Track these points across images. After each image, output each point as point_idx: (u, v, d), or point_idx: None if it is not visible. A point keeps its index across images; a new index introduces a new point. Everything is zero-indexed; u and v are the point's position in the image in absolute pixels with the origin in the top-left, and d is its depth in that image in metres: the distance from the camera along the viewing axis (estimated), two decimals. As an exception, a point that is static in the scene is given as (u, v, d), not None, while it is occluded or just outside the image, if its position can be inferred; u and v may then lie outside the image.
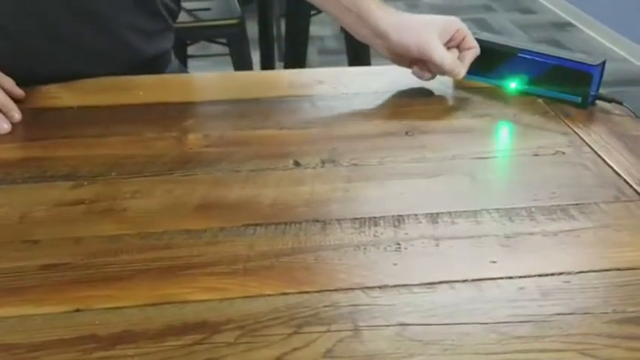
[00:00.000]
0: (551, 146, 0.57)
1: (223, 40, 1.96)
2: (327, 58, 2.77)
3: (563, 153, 0.56)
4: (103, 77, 0.68)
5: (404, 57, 0.67)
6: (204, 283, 0.40)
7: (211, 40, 2.22)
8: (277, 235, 0.45)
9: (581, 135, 0.59)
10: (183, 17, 1.83)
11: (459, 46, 0.67)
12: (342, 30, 2.79)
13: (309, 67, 2.40)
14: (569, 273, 0.42)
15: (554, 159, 0.55)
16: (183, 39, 1.82)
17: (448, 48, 0.66)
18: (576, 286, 0.41)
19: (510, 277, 0.41)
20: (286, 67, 2.18)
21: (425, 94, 0.68)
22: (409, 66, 0.68)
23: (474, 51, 0.67)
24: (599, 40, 3.10)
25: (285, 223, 0.46)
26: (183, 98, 0.66)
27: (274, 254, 0.43)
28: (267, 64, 2.30)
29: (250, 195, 0.49)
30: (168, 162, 0.54)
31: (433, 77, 0.67)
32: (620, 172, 0.53)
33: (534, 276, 0.41)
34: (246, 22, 1.79)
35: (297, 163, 0.54)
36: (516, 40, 0.70)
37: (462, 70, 0.65)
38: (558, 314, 0.38)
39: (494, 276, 0.41)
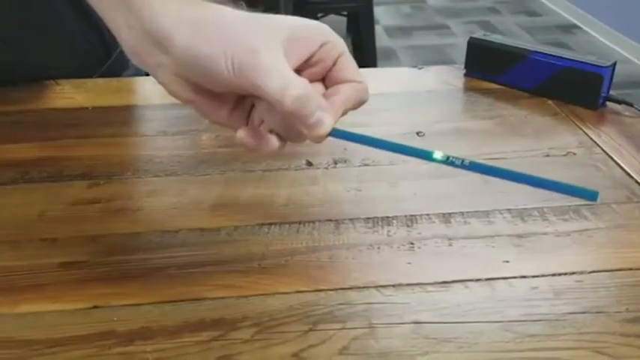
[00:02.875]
0: (562, 147, 0.57)
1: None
2: (333, 61, 2.77)
3: (574, 154, 0.57)
4: (117, 78, 0.69)
5: (204, 90, 0.34)
6: (220, 280, 0.41)
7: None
8: (291, 234, 0.45)
9: (592, 136, 0.59)
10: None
11: (326, 77, 0.37)
12: (348, 33, 2.81)
13: (316, 69, 2.40)
14: (581, 272, 0.42)
15: (565, 160, 0.56)
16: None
17: (308, 76, 0.36)
18: (589, 285, 0.41)
19: (523, 277, 0.41)
20: (293, 69, 2.18)
21: (435, 95, 0.68)
22: (227, 120, 0.36)
23: (356, 88, 0.36)
24: (604, 42, 3.10)
25: (299, 223, 0.46)
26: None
27: (289, 253, 0.43)
28: (273, 66, 2.30)
29: (264, 194, 0.50)
30: (183, 162, 0.54)
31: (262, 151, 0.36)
32: (631, 173, 0.53)
33: (547, 275, 0.42)
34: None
35: (309, 163, 0.54)
36: (524, 42, 0.69)
37: (324, 118, 0.33)
38: (571, 313, 0.38)
39: (508, 275, 0.42)
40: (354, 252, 0.44)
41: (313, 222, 0.46)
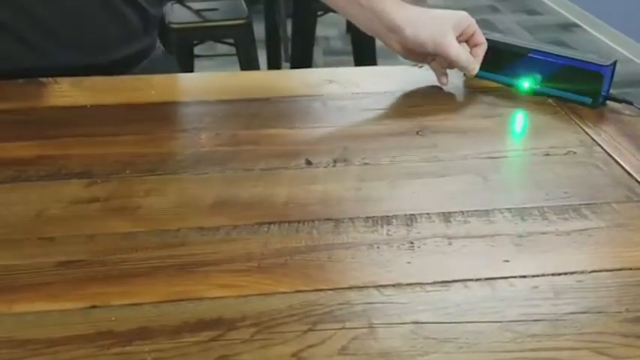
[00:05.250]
0: (563, 146, 0.57)
1: (230, 41, 1.97)
2: (333, 59, 2.77)
3: (575, 153, 0.56)
4: (115, 76, 0.68)
5: (416, 52, 0.67)
6: (220, 280, 0.41)
7: (218, 41, 2.23)
8: (291, 233, 0.45)
9: (592, 135, 0.59)
10: (190, 17, 1.84)
11: (468, 42, 0.67)
12: (348, 31, 2.81)
13: (315, 67, 2.40)
14: (582, 272, 0.42)
15: (565, 159, 0.55)
16: (190, 39, 1.83)
17: (459, 43, 0.66)
18: (589, 285, 0.41)
19: (524, 276, 0.41)
20: (292, 67, 2.19)
21: (435, 94, 0.68)
22: (421, 60, 0.69)
23: (483, 47, 0.67)
24: (605, 41, 3.09)
25: (299, 222, 0.46)
26: (195, 97, 0.67)
27: (288, 252, 0.43)
28: (273, 65, 2.31)
29: (263, 193, 0.50)
30: (182, 160, 0.54)
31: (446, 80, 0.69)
32: (631, 172, 0.53)
33: (548, 275, 0.41)
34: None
35: (309, 162, 0.54)
36: (524, 40, 0.69)
37: (476, 67, 0.65)
38: (572, 313, 0.38)
39: (508, 275, 0.41)
40: (354, 251, 0.43)
41: (313, 221, 0.46)
